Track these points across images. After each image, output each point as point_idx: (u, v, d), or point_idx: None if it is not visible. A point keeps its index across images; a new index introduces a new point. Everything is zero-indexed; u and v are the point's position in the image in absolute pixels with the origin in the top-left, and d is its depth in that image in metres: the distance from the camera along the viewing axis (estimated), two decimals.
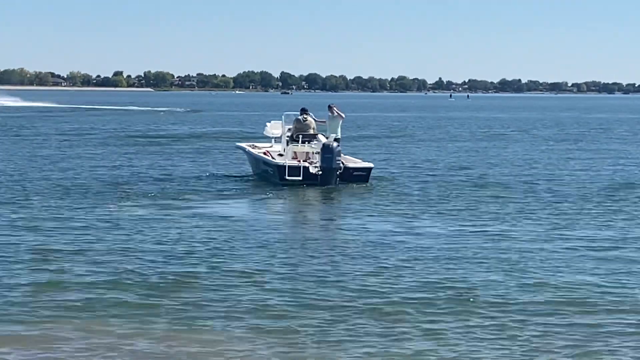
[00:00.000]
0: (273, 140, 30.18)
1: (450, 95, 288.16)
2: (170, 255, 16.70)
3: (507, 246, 17.98)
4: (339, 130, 28.97)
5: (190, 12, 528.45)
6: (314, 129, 28.66)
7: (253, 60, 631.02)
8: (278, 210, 24.38)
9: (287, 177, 26.73)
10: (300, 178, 26.68)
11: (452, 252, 17.33)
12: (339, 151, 26.85)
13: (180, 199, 24.61)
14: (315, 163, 27.11)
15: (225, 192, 26.51)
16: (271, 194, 25.90)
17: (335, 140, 27.74)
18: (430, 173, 32.47)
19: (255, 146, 30.75)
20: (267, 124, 30.83)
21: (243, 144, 32.14)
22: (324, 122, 29.24)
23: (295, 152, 28.02)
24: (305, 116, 28.73)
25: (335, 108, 29.06)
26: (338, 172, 26.85)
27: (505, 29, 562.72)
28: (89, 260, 16.12)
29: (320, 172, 26.68)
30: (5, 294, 13.73)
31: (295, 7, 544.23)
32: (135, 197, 24.74)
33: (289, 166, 26.89)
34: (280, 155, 28.70)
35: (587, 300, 13.74)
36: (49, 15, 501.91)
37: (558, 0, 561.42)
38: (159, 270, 15.49)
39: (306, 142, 27.96)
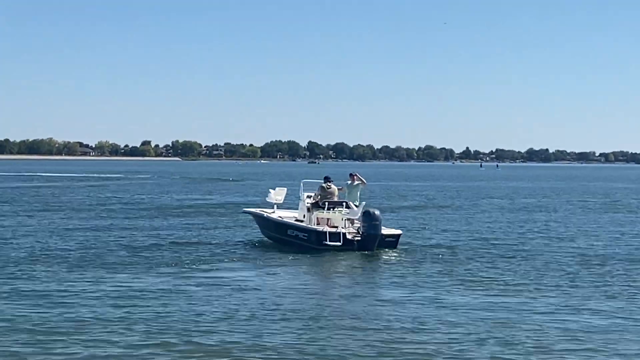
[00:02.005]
0: (275, 206, 30.90)
1: (481, 165, 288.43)
2: (199, 327, 16.13)
3: (523, 320, 17.09)
4: (359, 196, 29.79)
5: (218, 82, 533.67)
6: (337, 196, 29.56)
7: (281, 129, 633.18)
8: (316, 276, 23.87)
9: (328, 242, 27.45)
10: (340, 243, 27.42)
11: (469, 326, 16.45)
12: (381, 219, 27.89)
13: (211, 268, 24.13)
14: (349, 228, 28.07)
15: (255, 259, 26.29)
16: (314, 260, 26.05)
17: (356, 206, 28.67)
18: (458, 242, 31.71)
19: (264, 212, 31.22)
20: (271, 190, 31.75)
21: (253, 210, 32.98)
22: (341, 189, 30.07)
23: (317, 218, 28.77)
24: (329, 184, 29.58)
25: (357, 175, 30.05)
26: None
27: (532, 98, 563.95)
28: (111, 331, 15.63)
29: (357, 238, 27.58)
30: None
31: (323, 77, 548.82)
32: (156, 266, 24.19)
33: (329, 232, 27.65)
34: (300, 220, 29.48)
35: None
36: (77, 85, 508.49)
37: (584, 70, 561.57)
38: (184, 341, 15.00)
39: (331, 209, 28.76)
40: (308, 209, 29.16)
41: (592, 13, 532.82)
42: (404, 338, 15.41)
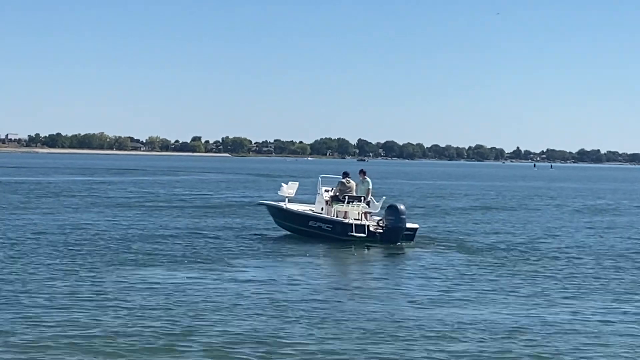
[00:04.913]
0: (287, 199, 31.98)
1: (534, 165, 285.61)
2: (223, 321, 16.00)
3: (548, 324, 16.53)
4: (370, 191, 30.73)
5: (269, 79, 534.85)
6: (355, 190, 30.58)
7: (331, 127, 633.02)
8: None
9: (354, 234, 28.66)
10: (365, 235, 28.65)
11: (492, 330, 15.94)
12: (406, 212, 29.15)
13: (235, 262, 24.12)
14: (369, 221, 29.32)
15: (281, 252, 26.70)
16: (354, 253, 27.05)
17: (366, 202, 29.99)
18: (502, 242, 31.44)
19: (278, 203, 32.52)
20: (283, 184, 33.05)
21: (269, 202, 34.18)
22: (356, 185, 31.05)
23: (336, 211, 30.02)
24: (348, 179, 30.75)
25: (366, 174, 31.16)
26: None
27: (583, 98, 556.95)
28: (127, 325, 15.45)
29: (380, 231, 28.73)
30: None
31: (374, 75, 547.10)
32: (180, 260, 24.10)
33: (355, 224, 28.81)
34: (317, 213, 30.78)
35: None
36: (128, 81, 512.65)
37: (637, 70, 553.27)
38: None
39: (350, 203, 29.85)
40: (327, 202, 30.42)
41: None
42: (424, 339, 15.03)
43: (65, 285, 19.24)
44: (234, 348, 14.05)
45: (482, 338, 15.11)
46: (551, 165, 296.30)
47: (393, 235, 28.53)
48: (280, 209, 31.95)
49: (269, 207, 33.25)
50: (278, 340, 14.61)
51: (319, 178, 31.79)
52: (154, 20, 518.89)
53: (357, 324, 16.05)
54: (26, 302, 17.27)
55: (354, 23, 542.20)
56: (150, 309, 16.82)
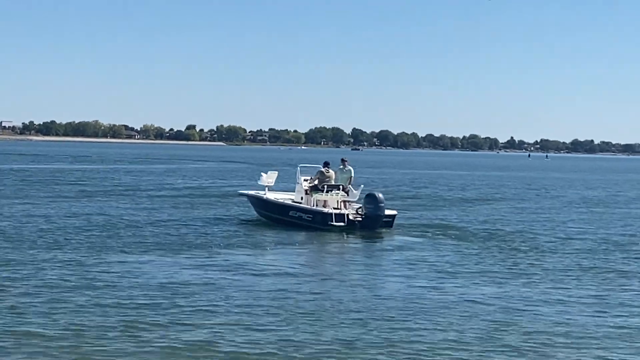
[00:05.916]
0: (267, 188, 32.53)
1: (529, 155, 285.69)
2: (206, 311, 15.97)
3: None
4: (350, 180, 31.44)
5: (264, 67, 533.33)
6: (334, 179, 31.23)
7: (325, 116, 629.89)
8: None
9: (334, 223, 29.10)
10: (345, 224, 29.16)
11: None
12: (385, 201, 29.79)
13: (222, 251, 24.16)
14: (348, 210, 29.77)
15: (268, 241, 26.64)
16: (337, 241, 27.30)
17: (345, 191, 30.63)
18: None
19: (258, 193, 33.14)
20: (263, 174, 33.31)
21: (249, 192, 34.59)
22: (335, 172, 31.68)
23: (315, 200, 30.39)
24: (327, 168, 31.35)
25: (347, 162, 32.00)
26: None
27: (577, 89, 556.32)
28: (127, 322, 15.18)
29: (359, 219, 29.25)
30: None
31: (368, 65, 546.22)
32: (162, 251, 23.94)
33: (335, 213, 29.31)
34: (297, 202, 31.33)
35: None
36: (123, 69, 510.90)
37: (630, 61, 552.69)
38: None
39: (329, 192, 30.40)
40: (306, 192, 30.94)
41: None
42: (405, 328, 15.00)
43: (50, 275, 19.12)
44: (218, 339, 13.97)
45: (468, 328, 15.09)
46: (546, 155, 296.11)
47: (372, 223, 29.10)
48: (261, 199, 32.41)
49: (250, 197, 33.77)
50: (262, 329, 14.57)
51: (298, 168, 32.38)
52: (148, 8, 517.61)
53: (339, 312, 16.04)
54: (14, 292, 17.19)
55: (349, 13, 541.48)
56: (135, 299, 16.71)
